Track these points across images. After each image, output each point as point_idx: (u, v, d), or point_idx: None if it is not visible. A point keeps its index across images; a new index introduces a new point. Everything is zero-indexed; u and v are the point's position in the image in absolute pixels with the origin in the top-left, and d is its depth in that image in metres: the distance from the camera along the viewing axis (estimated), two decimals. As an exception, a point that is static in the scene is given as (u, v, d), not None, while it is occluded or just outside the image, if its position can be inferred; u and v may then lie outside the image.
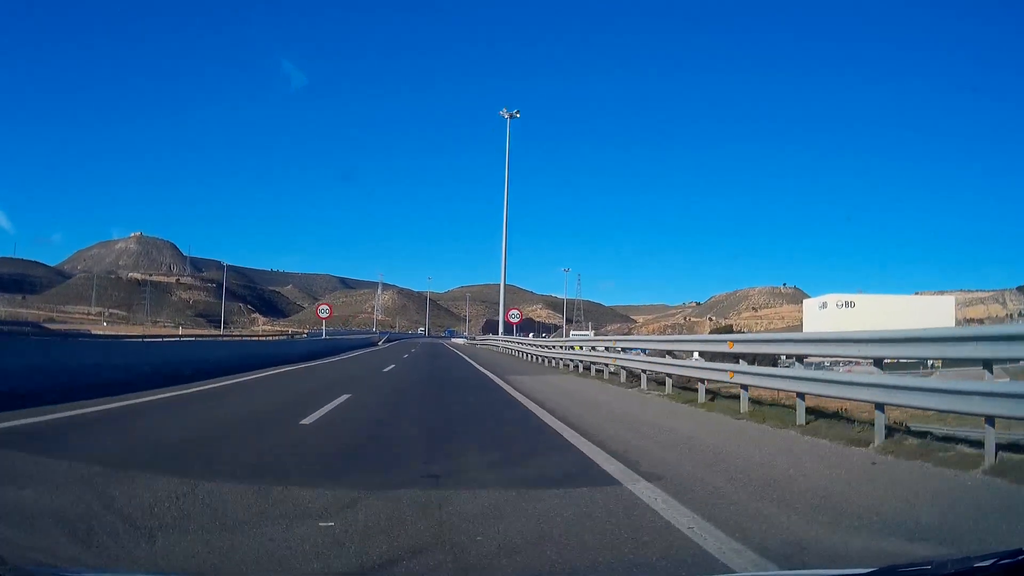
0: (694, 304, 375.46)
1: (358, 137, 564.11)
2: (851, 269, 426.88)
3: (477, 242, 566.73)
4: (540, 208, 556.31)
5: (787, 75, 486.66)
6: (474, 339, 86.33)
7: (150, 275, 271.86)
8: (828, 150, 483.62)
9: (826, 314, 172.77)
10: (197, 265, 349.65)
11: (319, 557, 3.97)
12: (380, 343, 62.52)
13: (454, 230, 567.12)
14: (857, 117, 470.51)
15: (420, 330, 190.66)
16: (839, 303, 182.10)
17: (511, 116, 50.66)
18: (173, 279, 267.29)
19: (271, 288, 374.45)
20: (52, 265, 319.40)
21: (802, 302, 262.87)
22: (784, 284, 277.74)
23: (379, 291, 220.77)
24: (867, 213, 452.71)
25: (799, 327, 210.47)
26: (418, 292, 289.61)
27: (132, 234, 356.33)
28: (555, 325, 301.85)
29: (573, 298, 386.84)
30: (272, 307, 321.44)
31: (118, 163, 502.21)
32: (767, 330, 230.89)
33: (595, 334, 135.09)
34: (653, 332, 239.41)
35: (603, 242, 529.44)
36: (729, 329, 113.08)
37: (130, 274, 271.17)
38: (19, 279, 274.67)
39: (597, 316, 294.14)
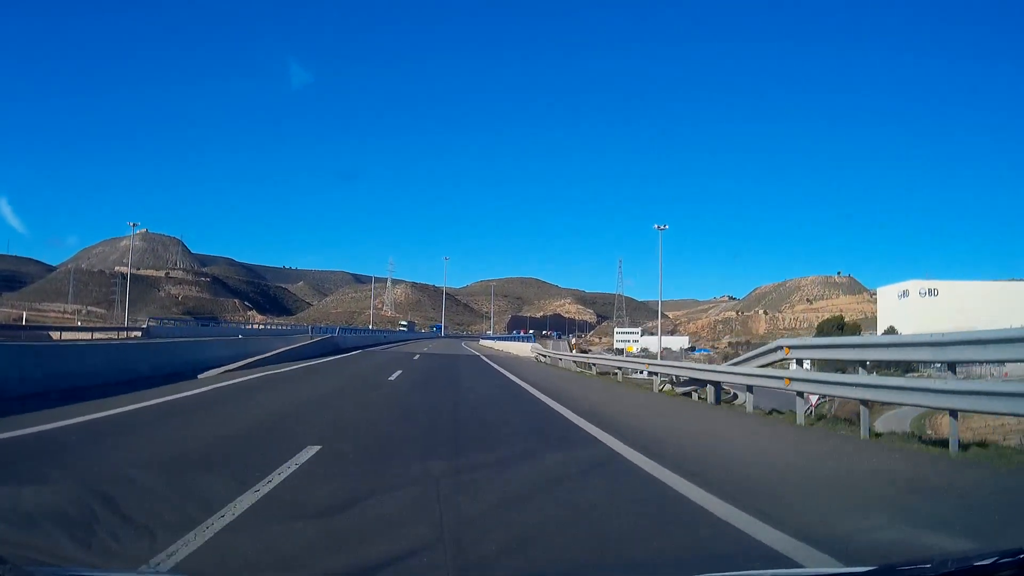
0: (727, 298, 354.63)
1: (367, 133, 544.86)
2: (899, 257, 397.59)
3: (497, 235, 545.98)
4: (566, 196, 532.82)
5: (831, 43, 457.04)
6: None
7: (137, 269, 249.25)
8: (869, 128, 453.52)
9: (907, 303, 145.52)
10: (204, 262, 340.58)
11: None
12: (270, 353, 22.81)
13: (472, 223, 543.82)
14: (906, 91, 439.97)
15: (400, 325, 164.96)
16: (922, 290, 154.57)
17: None
18: (162, 273, 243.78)
19: (279, 285, 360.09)
20: (55, 264, 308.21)
21: (861, 292, 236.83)
22: (839, 273, 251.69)
23: (388, 284, 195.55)
24: (920, 195, 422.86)
25: (868, 321, 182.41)
26: (435, 287, 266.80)
27: (138, 231, 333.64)
28: (587, 322, 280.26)
29: (597, 293, 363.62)
30: (277, 304, 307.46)
31: (129, 161, 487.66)
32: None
33: (642, 333, 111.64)
34: (703, 328, 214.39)
35: (626, 236, 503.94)
36: (840, 323, 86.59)
37: (116, 268, 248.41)
38: (10, 276, 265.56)
39: (631, 312, 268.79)
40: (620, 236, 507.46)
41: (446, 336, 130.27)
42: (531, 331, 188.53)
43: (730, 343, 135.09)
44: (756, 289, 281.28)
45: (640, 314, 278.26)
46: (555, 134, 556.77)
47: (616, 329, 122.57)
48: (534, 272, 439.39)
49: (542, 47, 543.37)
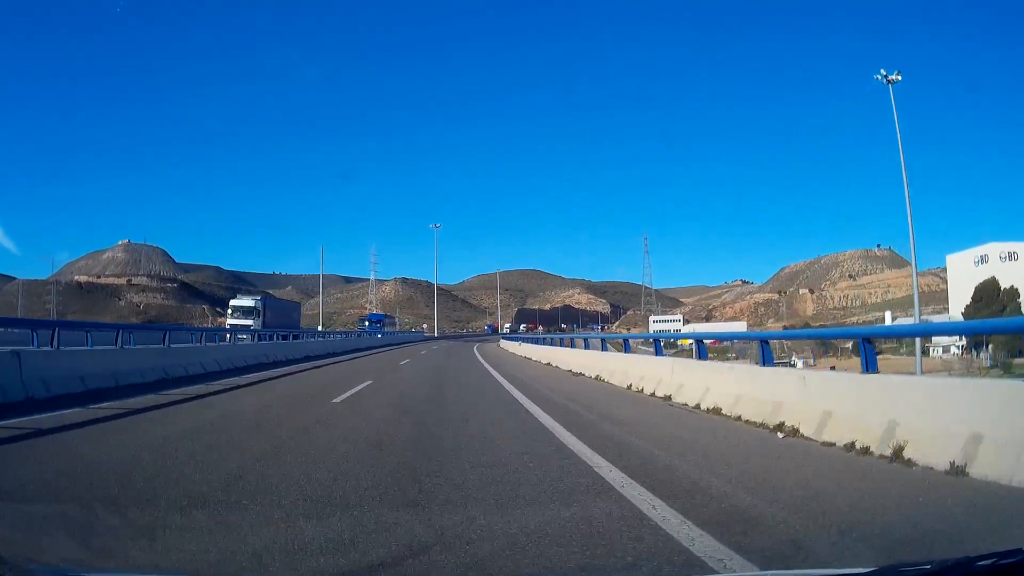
0: (740, 282, 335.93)
1: (360, 133, 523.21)
2: (939, 226, 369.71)
3: (493, 228, 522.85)
4: (565, 183, 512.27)
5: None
6: None
7: (97, 277, 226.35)
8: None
9: (986, 271, 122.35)
10: (189, 270, 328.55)
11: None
12: None
13: (467, 217, 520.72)
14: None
15: (231, 314, 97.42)
16: (1002, 254, 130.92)
17: None
18: (123, 281, 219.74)
19: (265, 290, 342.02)
20: (42, 279, 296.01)
21: (904, 266, 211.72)
22: (878, 246, 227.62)
23: (372, 279, 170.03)
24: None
25: (930, 296, 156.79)
26: (428, 282, 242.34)
27: (119, 242, 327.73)
28: (600, 313, 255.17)
29: (607, 282, 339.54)
30: None
31: (118, 176, 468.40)
32: (885, 301, 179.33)
33: (684, 320, 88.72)
34: (743, 311, 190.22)
35: (634, 222, 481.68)
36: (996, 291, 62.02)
37: (76, 278, 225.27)
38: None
39: (643, 300, 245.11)
40: (627, 222, 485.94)
41: (427, 338, 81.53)
42: (540, 326, 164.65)
43: (785, 328, 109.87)
44: (784, 268, 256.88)
45: (659, 301, 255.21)
46: (551, 123, 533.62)
47: (652, 317, 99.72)
48: (534, 264, 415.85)
49: (524, 31, 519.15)
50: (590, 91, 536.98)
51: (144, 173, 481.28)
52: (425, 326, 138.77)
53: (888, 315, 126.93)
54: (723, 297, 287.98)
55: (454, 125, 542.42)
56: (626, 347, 20.32)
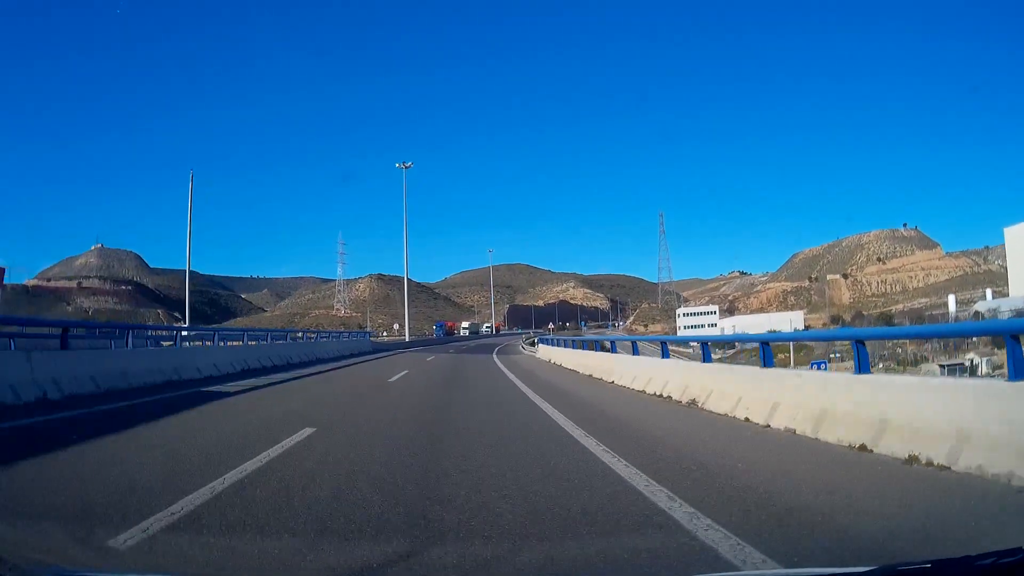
0: (738, 274, 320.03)
1: (343, 126, 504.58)
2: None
3: (477, 223, 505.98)
4: (555, 172, 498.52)
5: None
6: None
7: (48, 281, 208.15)
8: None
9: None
10: (161, 274, 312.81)
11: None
12: None
13: (448, 211, 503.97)
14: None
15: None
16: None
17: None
18: (74, 284, 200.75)
19: (237, 293, 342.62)
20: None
21: (933, 247, 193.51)
22: (904, 225, 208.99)
23: (339, 275, 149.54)
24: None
25: (969, 278, 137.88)
26: (410, 279, 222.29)
27: (92, 247, 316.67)
28: (599, 309, 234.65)
29: (602, 275, 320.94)
30: (227, 311, 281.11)
31: (94, 179, 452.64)
32: (928, 285, 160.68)
33: (721, 314, 68.11)
34: (769, 301, 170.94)
35: (619, 216, 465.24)
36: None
37: (26, 281, 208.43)
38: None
39: (648, 294, 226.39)
40: (622, 213, 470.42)
41: (376, 351, 44.81)
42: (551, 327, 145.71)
43: (834, 318, 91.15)
44: (798, 254, 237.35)
45: (655, 297, 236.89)
46: (542, 114, 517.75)
47: (680, 310, 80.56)
48: (521, 258, 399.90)
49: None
50: (581, 82, 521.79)
51: (122, 179, 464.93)
52: (396, 326, 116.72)
53: (951, 299, 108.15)
54: (722, 289, 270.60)
55: (438, 116, 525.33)
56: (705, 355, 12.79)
